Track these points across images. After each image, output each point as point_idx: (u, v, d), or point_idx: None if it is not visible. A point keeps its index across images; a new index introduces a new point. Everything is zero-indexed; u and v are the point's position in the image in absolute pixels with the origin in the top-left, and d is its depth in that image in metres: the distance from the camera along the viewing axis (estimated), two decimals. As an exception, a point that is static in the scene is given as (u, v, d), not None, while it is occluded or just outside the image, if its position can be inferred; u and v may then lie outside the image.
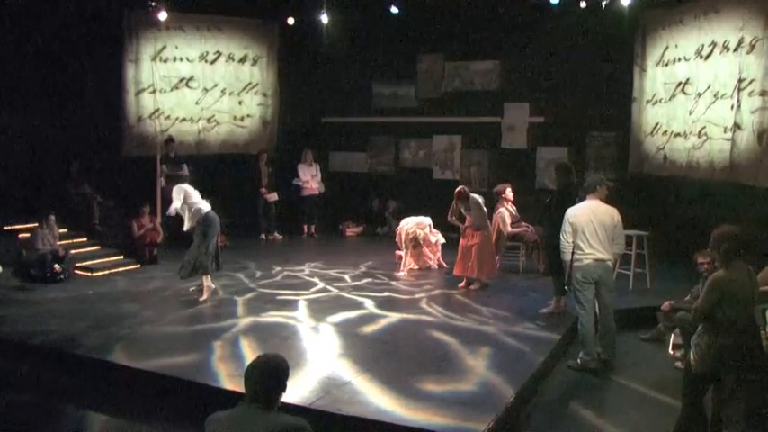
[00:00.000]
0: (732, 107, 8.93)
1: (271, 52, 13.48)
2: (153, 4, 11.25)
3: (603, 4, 10.56)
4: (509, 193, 9.93)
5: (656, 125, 10.67)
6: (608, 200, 6.59)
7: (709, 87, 9.48)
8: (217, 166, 12.51)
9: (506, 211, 9.86)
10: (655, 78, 10.71)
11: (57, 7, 10.86)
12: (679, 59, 10.16)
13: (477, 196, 8.80)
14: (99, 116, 11.58)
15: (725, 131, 9.10)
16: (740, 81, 8.77)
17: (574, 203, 7.02)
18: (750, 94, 8.64)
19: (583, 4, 10.99)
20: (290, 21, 12.59)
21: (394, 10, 12.23)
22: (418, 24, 12.89)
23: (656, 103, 10.70)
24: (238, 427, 3.01)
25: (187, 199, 8.05)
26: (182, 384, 5.56)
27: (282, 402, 3.17)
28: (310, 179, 12.81)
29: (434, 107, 13.41)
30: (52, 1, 10.87)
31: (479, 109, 12.88)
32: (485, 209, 8.84)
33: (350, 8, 12.33)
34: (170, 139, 11.75)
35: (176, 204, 8.09)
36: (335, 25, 12.32)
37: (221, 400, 4.20)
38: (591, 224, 6.27)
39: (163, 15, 11.36)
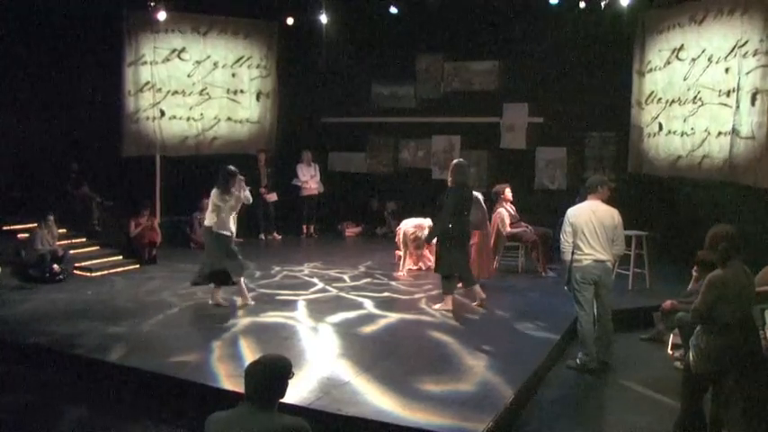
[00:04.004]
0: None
1: (268, 36, 13.33)
2: (152, 3, 11.24)
3: (603, 4, 10.57)
4: (508, 193, 9.94)
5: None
6: (607, 200, 6.59)
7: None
8: (216, 166, 12.47)
9: (505, 211, 9.86)
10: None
11: (55, 6, 10.86)
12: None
13: (476, 193, 8.78)
14: (98, 102, 11.56)
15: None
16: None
17: (467, 200, 7.56)
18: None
19: (583, 5, 11.00)
20: (290, 21, 12.59)
21: (394, 10, 12.23)
22: (418, 24, 12.88)
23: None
24: (238, 428, 3.01)
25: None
26: (182, 384, 5.56)
27: (282, 402, 3.16)
28: (309, 179, 12.80)
29: (434, 107, 13.40)
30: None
31: (479, 109, 12.86)
32: (484, 207, 8.84)
33: (350, 8, 12.33)
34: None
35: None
36: (335, 25, 12.33)
37: (221, 400, 4.22)
38: (591, 224, 6.26)
39: (162, 15, 11.35)
